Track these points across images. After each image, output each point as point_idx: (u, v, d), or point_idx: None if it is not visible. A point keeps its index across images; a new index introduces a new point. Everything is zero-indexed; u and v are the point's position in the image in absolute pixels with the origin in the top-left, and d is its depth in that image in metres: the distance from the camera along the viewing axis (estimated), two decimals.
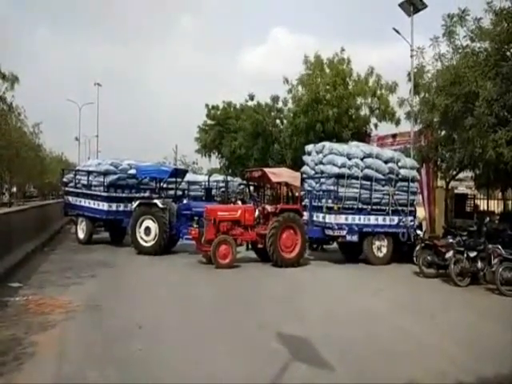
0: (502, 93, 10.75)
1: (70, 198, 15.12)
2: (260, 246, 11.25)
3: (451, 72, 12.75)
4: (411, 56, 16.75)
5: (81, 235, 14.63)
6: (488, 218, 13.18)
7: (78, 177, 15.16)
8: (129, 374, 4.19)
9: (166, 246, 12.51)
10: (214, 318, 6.23)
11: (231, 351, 4.90)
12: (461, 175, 18.65)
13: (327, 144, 12.39)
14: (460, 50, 12.98)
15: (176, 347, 4.96)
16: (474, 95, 11.46)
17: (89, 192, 14.38)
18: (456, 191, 21.20)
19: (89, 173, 14.64)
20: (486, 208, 19.91)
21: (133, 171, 14.37)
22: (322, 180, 11.87)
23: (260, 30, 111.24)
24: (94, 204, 14.17)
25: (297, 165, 17.15)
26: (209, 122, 32.61)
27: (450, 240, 9.89)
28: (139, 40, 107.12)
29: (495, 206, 20.54)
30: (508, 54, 11.49)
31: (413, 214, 12.23)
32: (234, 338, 5.40)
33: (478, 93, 11.20)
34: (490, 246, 9.09)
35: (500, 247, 8.80)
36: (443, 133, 15.42)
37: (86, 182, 14.58)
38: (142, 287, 8.40)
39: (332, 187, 11.39)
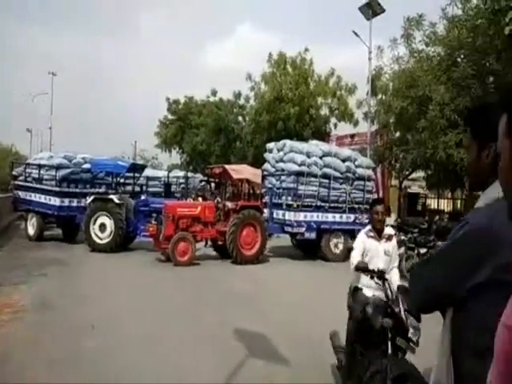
0: (453, 97, 11.32)
1: (20, 193, 14.34)
2: (220, 242, 11.19)
3: (407, 75, 13.27)
4: (369, 59, 17.27)
5: (31, 232, 13.93)
6: (438, 217, 13.87)
7: (28, 170, 14.40)
8: (79, 373, 4.03)
9: (122, 243, 12.16)
10: (172, 317, 6.11)
11: (189, 350, 4.83)
12: (413, 175, 19.48)
13: (288, 142, 12.53)
14: (416, 54, 13.53)
15: (131, 347, 4.82)
16: (428, 99, 11.98)
17: (40, 186, 13.71)
18: (409, 190, 22.14)
19: (40, 166, 13.96)
20: (436, 207, 20.92)
21: (87, 165, 13.86)
22: (283, 177, 11.98)
23: (225, 26, 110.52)
24: (46, 199, 13.53)
25: (258, 162, 17.23)
26: (170, 116, 32.06)
27: (402, 237, 10.30)
28: (100, 31, 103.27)
29: (445, 205, 21.65)
30: (459, 60, 12.10)
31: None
32: (193, 336, 5.32)
33: (431, 96, 11.72)
34: (439, 243, 9.55)
35: None
36: (398, 134, 16.04)
37: (37, 176, 13.90)
38: (96, 286, 8.10)
39: (292, 185, 11.54)
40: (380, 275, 3.31)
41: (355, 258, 3.67)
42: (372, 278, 3.37)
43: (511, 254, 1.09)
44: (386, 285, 3.24)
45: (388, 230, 3.88)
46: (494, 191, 1.23)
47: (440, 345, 1.39)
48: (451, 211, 19.68)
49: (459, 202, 21.87)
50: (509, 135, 0.86)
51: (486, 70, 11.11)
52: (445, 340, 1.35)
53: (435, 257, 1.52)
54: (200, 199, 14.76)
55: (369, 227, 3.86)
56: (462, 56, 12.08)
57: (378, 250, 3.70)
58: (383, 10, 17.95)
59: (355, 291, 3.71)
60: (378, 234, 3.75)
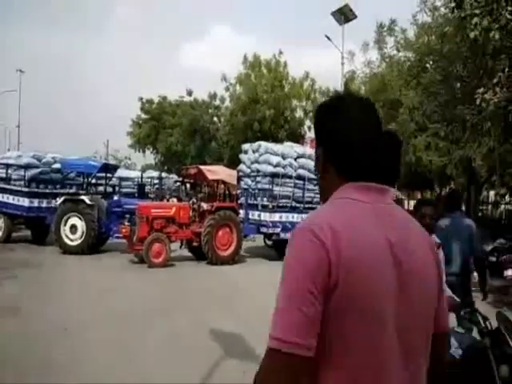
0: (422, 101, 11.72)
1: None
2: (195, 244, 11.14)
3: (378, 79, 13.64)
4: (342, 63, 17.65)
5: None
6: None
7: None
8: (52, 378, 3.93)
9: (94, 244, 11.90)
10: (147, 319, 6.04)
11: (164, 351, 4.79)
12: None
13: (263, 143, 12.63)
14: (387, 59, 13.93)
15: (105, 350, 4.74)
16: (398, 103, 12.35)
17: (7, 187, 13.27)
18: None
19: (8, 166, 13.54)
20: (406, 208, 21.53)
21: (57, 165, 13.53)
22: (258, 179, 12.07)
23: (200, 26, 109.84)
24: (14, 200, 13.10)
25: (234, 163, 17.26)
26: (143, 116, 31.60)
27: None
28: (72, 28, 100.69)
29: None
30: (428, 65, 12.54)
31: None
32: (168, 338, 5.28)
33: (401, 100, 12.09)
34: None
35: None
36: None
37: (4, 176, 13.47)
38: (67, 289, 7.90)
39: (267, 186, 11.64)
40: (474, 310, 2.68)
41: None
42: (464, 318, 2.75)
43: None
44: (480, 319, 2.55)
45: (435, 238, 3.10)
46: None
47: None
48: None
49: None
50: (317, 145, 1.09)
51: (453, 75, 11.56)
52: None
53: None
54: (175, 200, 14.67)
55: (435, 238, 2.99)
56: (431, 62, 12.52)
57: None
58: (355, 16, 18.39)
59: None
60: None
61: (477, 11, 7.09)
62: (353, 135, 1.03)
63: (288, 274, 0.93)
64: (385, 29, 13.71)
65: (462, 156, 10.87)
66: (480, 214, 15.92)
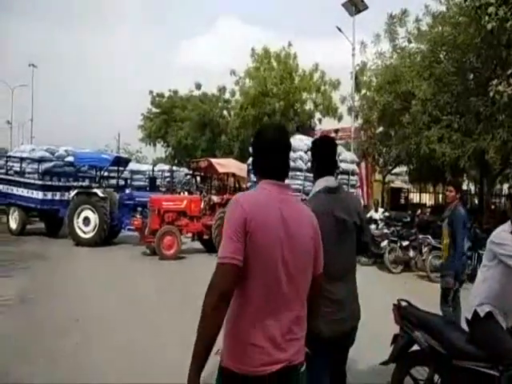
0: (435, 93, 11.55)
1: (1, 186, 14.05)
2: (206, 236, 11.21)
3: (391, 71, 13.45)
4: (352, 55, 17.43)
5: (13, 226, 13.69)
6: (420, 210, 14.16)
7: (9, 163, 14.17)
8: (62, 369, 4.00)
9: (106, 237, 12.07)
10: (156, 311, 6.10)
11: (171, 343, 4.80)
12: (396, 170, 19.80)
13: None
14: (399, 50, 13.73)
15: (116, 341, 4.82)
16: (411, 94, 12.19)
17: (22, 180, 13.49)
18: (392, 185, 22.52)
19: (22, 159, 13.76)
20: (418, 201, 21.32)
21: (70, 158, 13.70)
22: None
23: (208, 18, 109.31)
24: (28, 192, 13.32)
25: (244, 156, 17.26)
26: (154, 109, 31.69)
27: (385, 230, 10.51)
28: (79, 22, 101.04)
29: (427, 198, 22.07)
30: (441, 56, 12.33)
31: None
32: (175, 330, 5.29)
33: (413, 92, 11.92)
34: (420, 236, 9.79)
35: (430, 237, 9.50)
36: (381, 129, 16.27)
37: (18, 169, 13.69)
38: (80, 280, 8.03)
39: None
40: None
41: None
42: None
43: (323, 219, 1.95)
44: None
45: None
46: (318, 185, 2.52)
47: None
48: (433, 205, 20.08)
49: (440, 195, 22.33)
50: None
51: (466, 67, 11.35)
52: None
53: None
54: (186, 193, 14.77)
55: (510, 226, 2.79)
56: (444, 53, 12.31)
57: None
58: (366, 7, 18.06)
59: (486, 319, 2.70)
60: None
61: (492, 0, 6.95)
62: (267, 151, 1.78)
63: (226, 223, 1.59)
64: (395, 20, 13.51)
65: (476, 148, 10.71)
66: (493, 207, 15.70)
